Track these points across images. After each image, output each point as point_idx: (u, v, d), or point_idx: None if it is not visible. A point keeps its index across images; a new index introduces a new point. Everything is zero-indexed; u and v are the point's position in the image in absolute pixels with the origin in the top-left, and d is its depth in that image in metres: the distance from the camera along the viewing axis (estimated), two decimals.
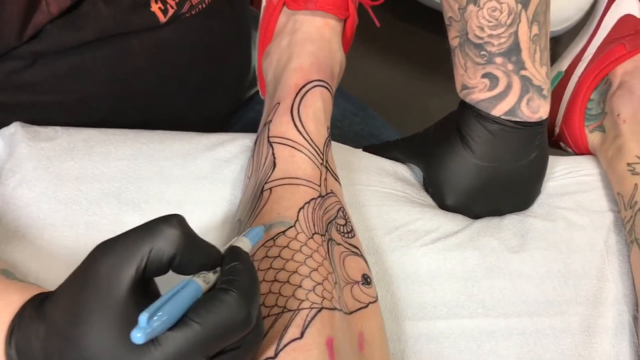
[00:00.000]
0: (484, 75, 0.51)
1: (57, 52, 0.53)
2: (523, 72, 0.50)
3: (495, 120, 0.51)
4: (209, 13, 0.60)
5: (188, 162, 0.52)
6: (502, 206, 0.55)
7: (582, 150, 0.64)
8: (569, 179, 0.58)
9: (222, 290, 0.31)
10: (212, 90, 0.66)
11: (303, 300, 0.37)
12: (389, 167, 0.57)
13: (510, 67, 0.50)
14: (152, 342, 0.29)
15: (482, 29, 0.49)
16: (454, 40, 0.53)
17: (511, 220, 0.54)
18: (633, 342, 0.48)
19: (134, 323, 0.29)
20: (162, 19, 0.56)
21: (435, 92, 1.44)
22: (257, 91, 0.78)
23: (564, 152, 0.65)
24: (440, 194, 0.55)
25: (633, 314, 0.49)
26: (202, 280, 0.32)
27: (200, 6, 0.58)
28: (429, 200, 0.56)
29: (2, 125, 0.54)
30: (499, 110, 0.51)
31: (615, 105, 0.61)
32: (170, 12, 0.56)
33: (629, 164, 0.57)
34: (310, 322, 0.36)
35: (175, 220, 0.32)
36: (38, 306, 0.33)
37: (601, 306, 0.49)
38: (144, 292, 0.32)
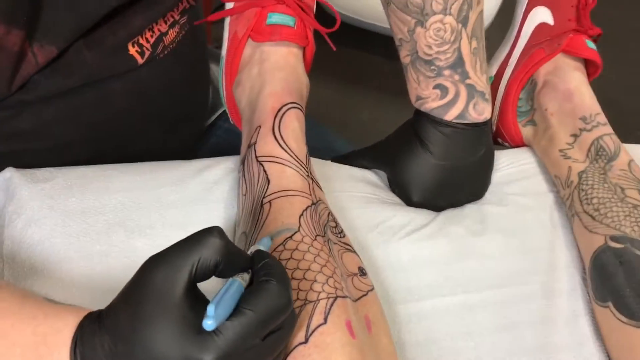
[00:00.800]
0: (435, 87, 0.58)
1: (44, 100, 0.56)
2: (468, 81, 0.58)
3: (448, 124, 0.59)
4: (178, 52, 0.65)
5: (181, 188, 0.57)
6: (460, 198, 0.63)
7: (518, 143, 0.73)
8: (512, 168, 0.66)
9: (264, 282, 0.37)
10: (184, 123, 0.71)
11: (320, 292, 0.43)
12: (358, 174, 0.64)
13: (456, 77, 0.58)
14: (214, 332, 0.34)
15: (430, 47, 0.57)
16: (405, 59, 0.60)
17: (470, 209, 0.62)
18: (586, 300, 0.57)
19: (192, 321, 0.35)
20: (140, 61, 0.60)
21: (365, 105, 1.53)
22: (215, 119, 0.84)
23: (502, 147, 0.74)
24: (406, 192, 0.62)
25: (582, 276, 0.58)
26: (241, 279, 0.38)
27: (171, 46, 0.63)
28: (397, 199, 0.63)
29: None
30: (450, 115, 0.58)
31: (542, 101, 0.70)
32: (147, 54, 0.60)
33: (560, 150, 0.66)
34: (330, 309, 0.42)
35: (217, 231, 0.37)
36: (96, 321, 0.37)
37: (555, 272, 0.58)
38: (193, 295, 0.37)
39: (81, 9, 0.54)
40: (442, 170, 0.60)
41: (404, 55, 0.60)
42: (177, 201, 0.56)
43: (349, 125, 1.38)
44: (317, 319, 0.42)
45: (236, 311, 0.35)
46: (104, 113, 0.61)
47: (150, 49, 0.61)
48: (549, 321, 0.54)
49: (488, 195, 0.64)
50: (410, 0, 0.56)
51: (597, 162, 0.63)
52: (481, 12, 0.58)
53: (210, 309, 0.34)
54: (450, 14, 0.55)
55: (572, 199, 0.62)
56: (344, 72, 1.50)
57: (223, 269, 0.37)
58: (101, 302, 0.39)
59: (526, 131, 0.72)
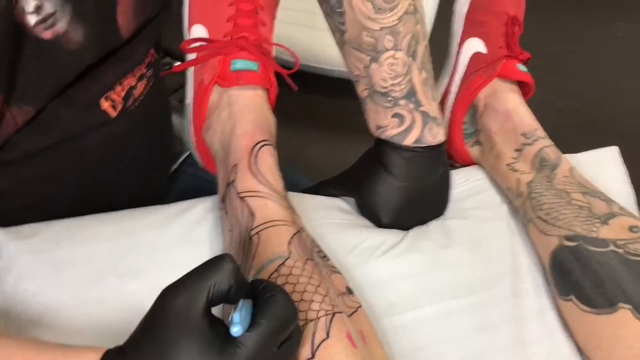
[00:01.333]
0: (393, 115, 0.64)
1: (23, 159, 0.58)
2: (421, 108, 0.63)
3: (408, 149, 0.64)
4: (146, 103, 0.67)
5: (164, 231, 0.59)
6: (425, 216, 0.68)
7: (468, 162, 0.79)
8: (467, 185, 0.72)
9: (270, 296, 0.40)
10: (155, 168, 0.74)
11: (319, 310, 0.47)
12: (328, 203, 0.68)
13: (411, 106, 0.63)
14: (237, 344, 0.37)
15: (385, 80, 0.62)
16: (363, 92, 0.65)
17: (435, 225, 0.67)
18: (550, 296, 0.62)
19: (214, 339, 0.38)
20: (113, 114, 0.63)
21: (311, 141, 1.59)
22: (179, 165, 0.86)
23: (454, 167, 0.80)
24: (375, 215, 0.66)
25: (543, 276, 0.64)
26: (248, 303, 0.41)
27: (140, 98, 0.66)
28: (367, 222, 0.67)
29: None
30: (409, 141, 0.64)
31: (485, 123, 0.77)
32: (119, 107, 0.63)
33: (507, 165, 0.72)
34: (330, 324, 0.46)
35: (228, 257, 0.40)
36: (117, 355, 0.39)
37: (520, 275, 0.63)
38: (210, 317, 0.40)
39: (57, 70, 0.57)
40: (406, 191, 0.65)
41: (362, 90, 0.65)
42: (162, 244, 0.58)
43: (299, 161, 1.42)
44: (320, 334, 0.45)
45: (252, 324, 0.38)
46: (82, 167, 0.63)
47: (122, 102, 0.63)
48: (520, 319, 0.59)
49: (449, 211, 0.69)
50: (364, 40, 0.61)
51: (542, 172, 0.69)
52: (427, 46, 0.64)
53: (235, 316, 0.37)
54: (400, 50, 0.61)
55: (524, 207, 0.67)
56: (293, 113, 1.56)
57: (234, 293, 0.40)
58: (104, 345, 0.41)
59: (474, 151, 0.78)
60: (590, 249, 0.60)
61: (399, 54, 0.61)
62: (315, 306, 0.47)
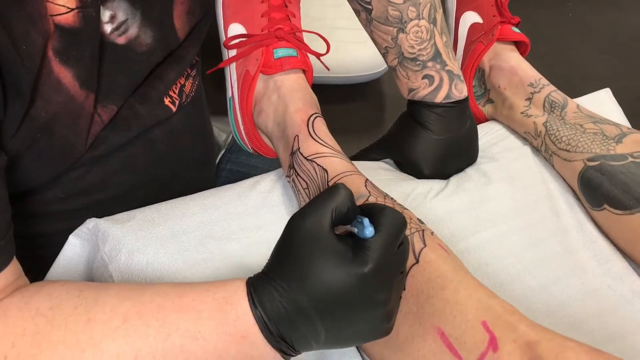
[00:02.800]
0: (424, 77, 0.72)
1: (108, 154, 0.65)
2: (447, 68, 0.72)
3: (439, 105, 0.72)
4: (195, 100, 0.75)
5: (244, 200, 0.66)
6: (460, 164, 0.76)
7: (483, 120, 0.88)
8: (489, 136, 0.81)
9: (381, 209, 0.47)
10: (204, 162, 0.81)
11: (410, 228, 0.54)
12: (373, 165, 0.76)
13: (438, 66, 0.72)
14: (365, 249, 0.44)
15: (412, 47, 0.71)
16: (393, 62, 0.73)
17: (472, 170, 0.75)
18: (584, 212, 0.71)
19: (343, 249, 0.44)
20: (174, 109, 0.70)
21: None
22: (217, 163, 0.93)
23: None
24: (418, 169, 0.74)
25: (574, 197, 0.72)
26: (363, 218, 0.48)
27: (191, 95, 0.74)
28: (411, 177, 0.75)
29: (65, 233, 0.64)
30: (439, 98, 0.72)
31: (494, 81, 0.86)
32: (177, 102, 0.70)
33: (521, 112, 0.81)
34: (423, 237, 0.54)
35: (343, 186, 0.47)
36: (261, 277, 0.46)
37: (553, 198, 0.71)
38: (334, 235, 0.47)
39: (132, 71, 0.64)
40: (442, 143, 0.73)
41: (392, 59, 0.73)
42: (245, 211, 0.65)
43: None
44: (418, 245, 0.53)
45: (376, 230, 0.45)
46: (150, 159, 0.69)
47: (178, 98, 0.71)
48: (564, 232, 0.68)
49: (480, 158, 0.77)
50: (390, 14, 0.70)
51: (553, 113, 0.79)
52: (442, 14, 0.74)
53: (366, 221, 0.44)
54: (423, 18, 0.70)
55: (545, 144, 0.77)
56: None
57: (351, 213, 0.47)
58: None
59: (487, 109, 0.88)
60: (612, 164, 0.69)
61: (422, 22, 0.70)
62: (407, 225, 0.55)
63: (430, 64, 0.71)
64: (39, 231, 0.65)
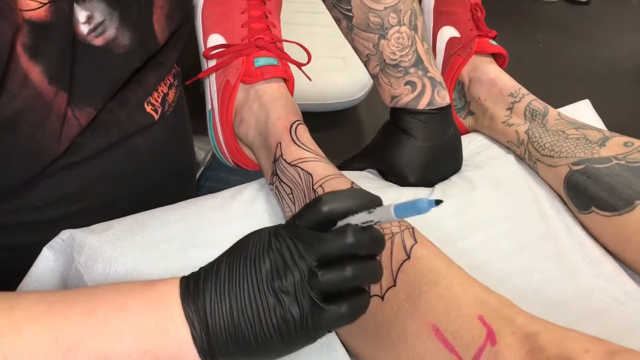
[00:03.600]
0: (406, 84, 0.72)
1: (87, 161, 0.62)
2: (429, 74, 0.72)
3: (422, 112, 0.72)
4: (177, 110, 0.74)
5: (226, 209, 0.65)
6: (445, 172, 0.75)
7: (464, 132, 0.88)
8: (472, 146, 0.81)
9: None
10: (186, 174, 0.79)
11: (400, 226, 0.53)
12: (356, 174, 0.75)
13: (420, 72, 0.72)
14: None
15: (394, 53, 0.71)
16: (374, 69, 0.73)
17: (457, 178, 0.74)
18: (571, 216, 0.70)
19: None
20: (155, 117, 0.68)
21: None
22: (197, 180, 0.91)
23: None
24: (403, 176, 0.73)
25: (560, 202, 0.72)
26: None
27: (173, 105, 0.72)
28: (396, 185, 0.74)
29: (42, 243, 0.61)
30: (422, 104, 0.72)
31: (474, 93, 0.86)
32: (159, 111, 0.69)
33: (503, 122, 0.81)
34: (414, 234, 0.52)
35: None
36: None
37: (540, 203, 0.71)
38: None
39: (109, 73, 0.62)
40: (426, 150, 0.72)
41: (373, 67, 0.73)
42: (228, 219, 0.63)
43: None
44: (409, 241, 0.51)
45: None
46: (131, 169, 0.67)
47: (160, 107, 0.69)
48: (552, 235, 0.67)
49: (464, 166, 0.77)
50: (371, 20, 0.70)
51: (535, 121, 0.79)
52: (422, 21, 0.74)
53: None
54: (404, 24, 0.70)
55: (528, 151, 0.76)
56: None
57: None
58: None
59: (468, 122, 0.88)
60: (596, 167, 0.69)
61: (403, 28, 0.70)
62: (395, 223, 0.53)
63: (412, 70, 0.71)
64: (18, 242, 0.62)
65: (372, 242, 0.46)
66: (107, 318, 0.41)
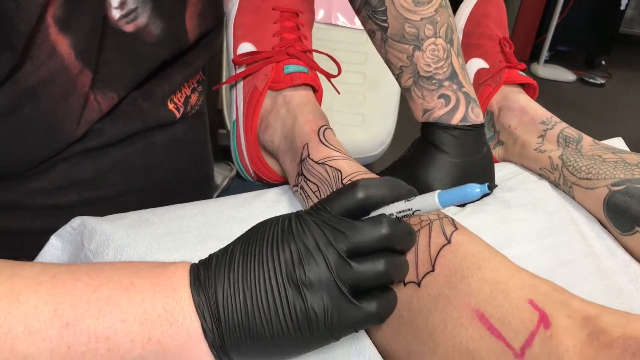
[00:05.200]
0: (439, 97, 0.70)
1: (103, 149, 0.60)
2: (463, 89, 0.70)
3: (456, 127, 0.69)
4: (199, 114, 0.72)
5: (247, 207, 0.61)
6: None
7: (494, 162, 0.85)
8: (503, 172, 0.78)
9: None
10: (203, 183, 0.76)
11: (438, 214, 0.49)
12: None
13: (454, 87, 0.70)
14: None
15: (428, 65, 0.69)
16: (407, 82, 0.71)
17: (489, 198, 0.70)
18: (612, 238, 0.66)
19: None
20: (177, 115, 0.66)
21: None
22: None
23: None
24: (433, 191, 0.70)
25: (599, 225, 0.68)
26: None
27: (195, 107, 0.70)
28: None
29: (49, 234, 0.57)
30: (455, 119, 0.69)
31: (504, 122, 0.84)
32: (181, 110, 0.67)
33: (535, 149, 0.78)
34: (453, 221, 0.48)
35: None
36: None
37: (579, 224, 0.66)
38: None
39: (137, 60, 0.61)
40: (459, 167, 0.69)
41: (406, 79, 0.71)
42: (249, 217, 0.60)
43: None
44: (449, 227, 0.47)
45: None
46: (148, 164, 0.65)
47: (183, 107, 0.67)
48: (594, 255, 0.62)
49: (496, 190, 0.73)
50: (406, 31, 0.68)
51: (568, 147, 0.76)
52: (458, 37, 0.72)
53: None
54: (440, 37, 0.69)
55: (563, 176, 0.73)
56: None
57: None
58: None
59: (497, 151, 0.85)
60: (638, 186, 0.65)
61: (439, 40, 0.69)
62: (432, 214, 0.49)
63: (446, 83, 0.69)
64: (21, 227, 0.58)
65: (406, 235, 0.43)
66: (111, 296, 0.38)
